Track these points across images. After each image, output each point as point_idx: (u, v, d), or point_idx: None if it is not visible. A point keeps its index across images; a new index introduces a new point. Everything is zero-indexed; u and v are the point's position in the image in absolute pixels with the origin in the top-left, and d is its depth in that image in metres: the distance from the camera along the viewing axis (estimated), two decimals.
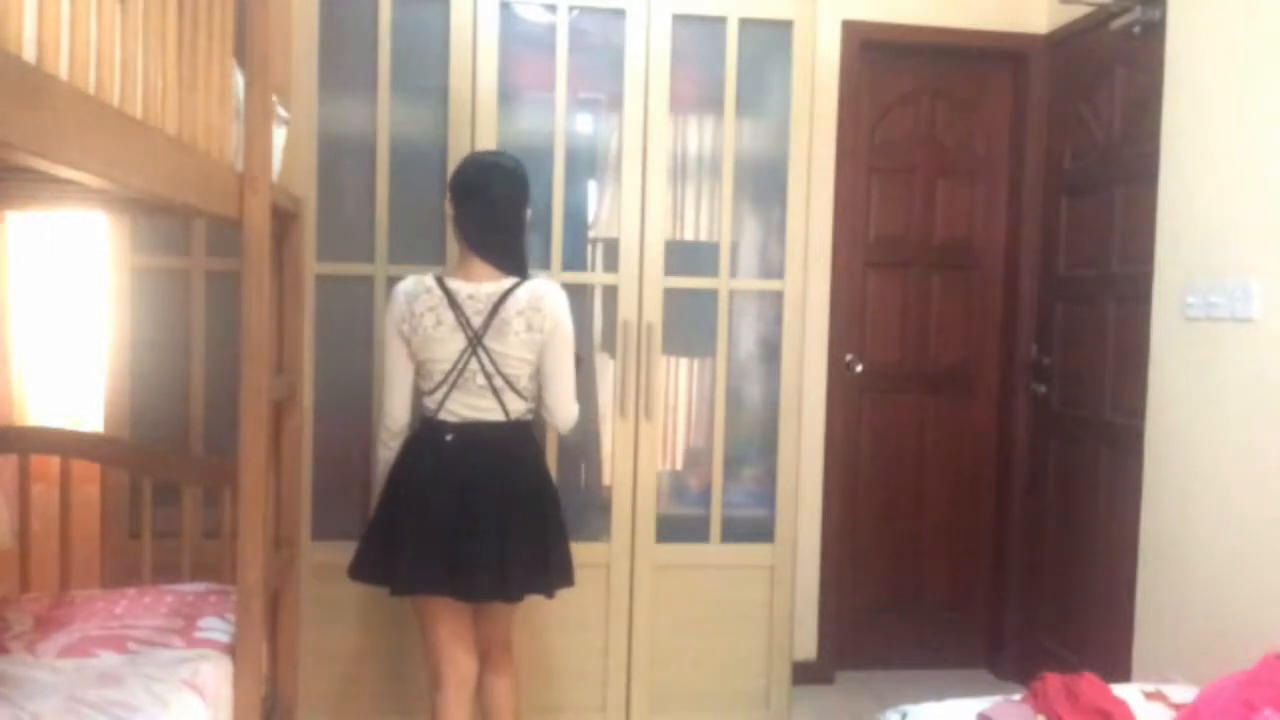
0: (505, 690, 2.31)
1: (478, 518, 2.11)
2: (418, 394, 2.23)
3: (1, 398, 2.48)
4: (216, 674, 1.93)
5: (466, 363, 2.14)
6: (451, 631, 2.20)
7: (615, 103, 2.74)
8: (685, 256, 2.81)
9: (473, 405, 2.16)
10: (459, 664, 2.20)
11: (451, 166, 2.64)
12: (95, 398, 2.65)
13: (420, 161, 2.68)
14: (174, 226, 2.60)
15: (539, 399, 2.23)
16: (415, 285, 2.17)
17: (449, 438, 2.16)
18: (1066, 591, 3.20)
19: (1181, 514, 2.49)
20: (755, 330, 2.92)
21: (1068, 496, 3.22)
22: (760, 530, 2.85)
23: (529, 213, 2.26)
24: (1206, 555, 2.39)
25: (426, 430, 2.20)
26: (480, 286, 2.15)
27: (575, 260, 2.79)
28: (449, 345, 2.14)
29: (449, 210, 2.22)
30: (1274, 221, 2.24)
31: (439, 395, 2.17)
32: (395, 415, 2.24)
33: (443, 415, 2.17)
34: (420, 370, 2.20)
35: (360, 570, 2.21)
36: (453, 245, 2.64)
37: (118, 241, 2.58)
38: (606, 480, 2.81)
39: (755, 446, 2.91)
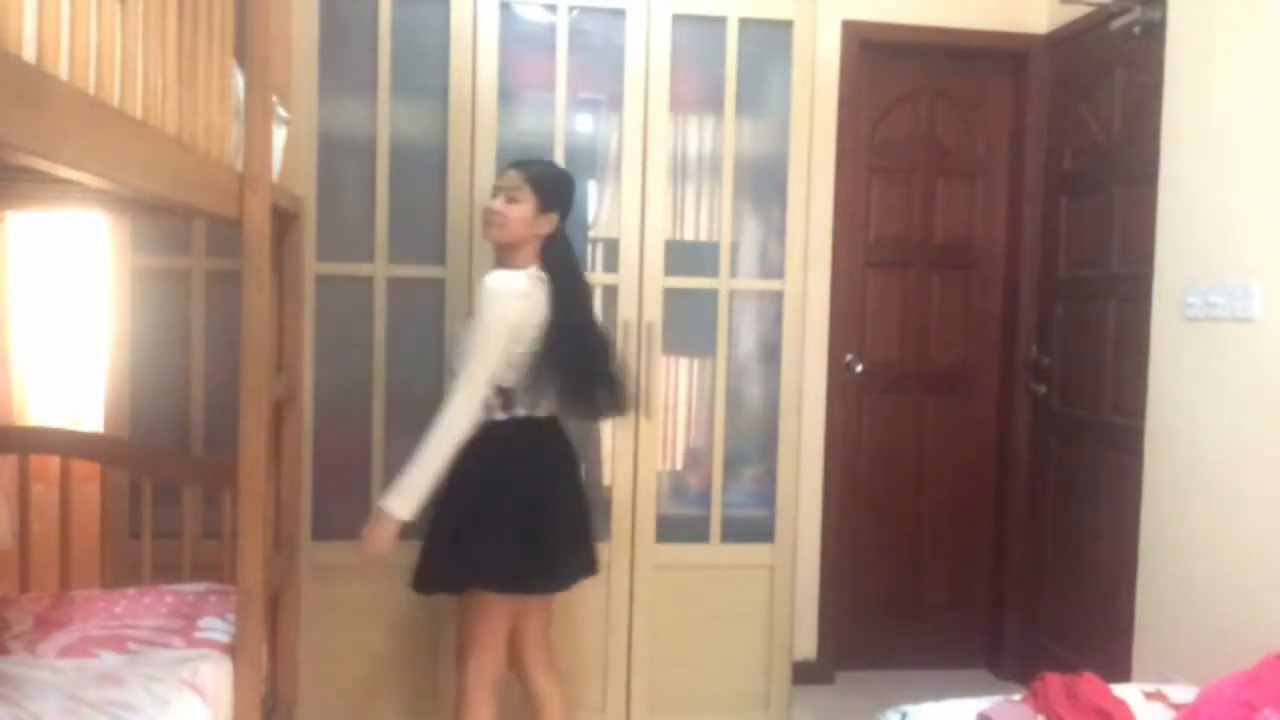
0: (561, 693, 2.36)
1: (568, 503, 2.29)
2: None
3: (1, 398, 2.48)
4: (216, 674, 1.93)
5: None
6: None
7: (615, 103, 2.74)
8: (685, 256, 2.81)
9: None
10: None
11: (451, 166, 2.65)
12: (95, 398, 2.65)
13: (420, 161, 2.68)
14: (174, 226, 2.60)
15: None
16: (532, 280, 2.20)
17: (555, 430, 2.28)
18: (1066, 591, 3.20)
19: (1181, 514, 2.49)
20: (755, 330, 2.92)
21: (1068, 496, 3.22)
22: (760, 530, 2.85)
23: None
24: (1206, 555, 2.39)
25: (531, 426, 2.22)
26: None
27: None
28: None
29: (558, 223, 2.24)
30: (1274, 221, 2.24)
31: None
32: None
33: (539, 411, 2.22)
34: (513, 363, 2.16)
35: (524, 580, 2.19)
36: (455, 245, 2.65)
37: (118, 241, 2.58)
38: (606, 480, 2.80)
39: (755, 446, 2.91)
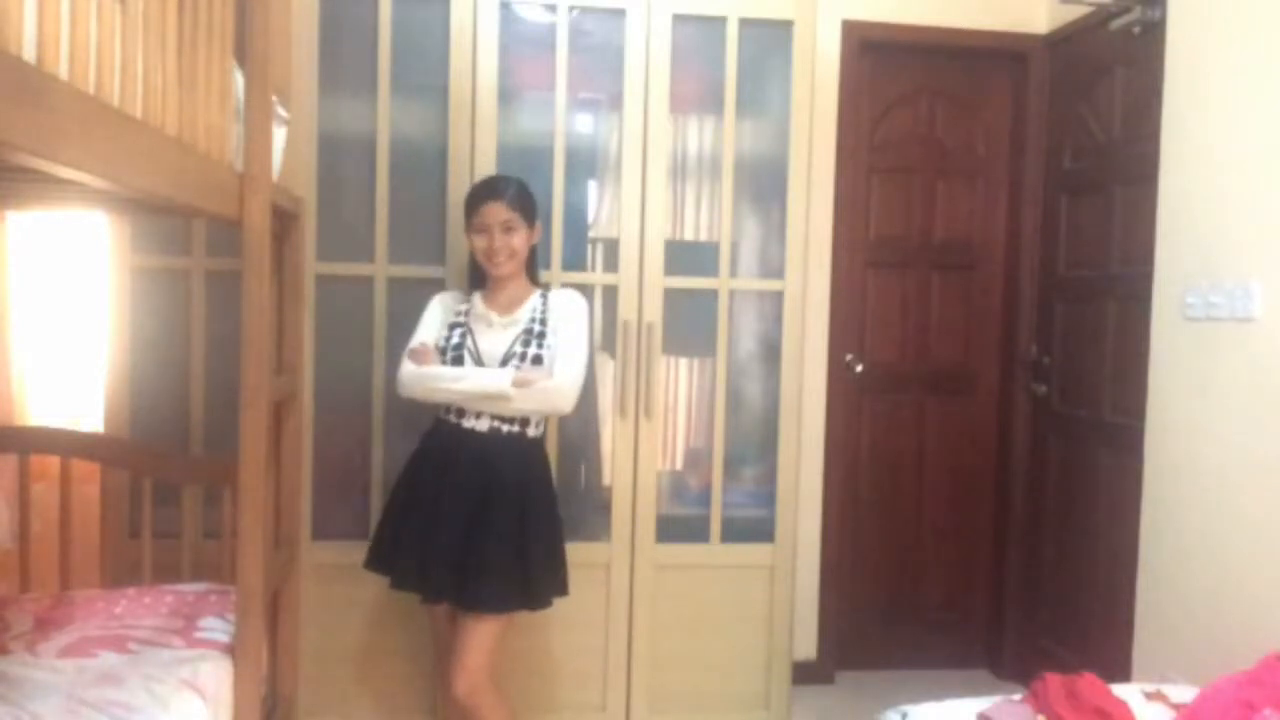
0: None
1: None
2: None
3: (1, 398, 2.48)
4: (216, 674, 1.93)
5: None
6: None
7: (615, 103, 2.74)
8: (685, 256, 2.81)
9: None
10: None
11: (451, 166, 2.66)
12: (95, 398, 2.65)
13: (420, 161, 2.68)
14: (174, 226, 2.60)
15: None
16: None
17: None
18: (1066, 591, 3.20)
19: (1181, 514, 2.49)
20: (755, 330, 2.92)
21: (1068, 496, 3.22)
22: (760, 530, 2.85)
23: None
24: (1206, 555, 2.39)
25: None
26: None
27: (575, 260, 2.79)
28: None
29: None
30: (1274, 221, 2.24)
31: None
32: None
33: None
34: None
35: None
36: (455, 245, 2.65)
37: (118, 241, 2.58)
38: (606, 480, 2.80)
39: (755, 446, 2.91)
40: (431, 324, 2.36)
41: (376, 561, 2.32)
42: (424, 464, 2.30)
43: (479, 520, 2.20)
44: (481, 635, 2.20)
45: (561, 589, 2.34)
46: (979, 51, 3.43)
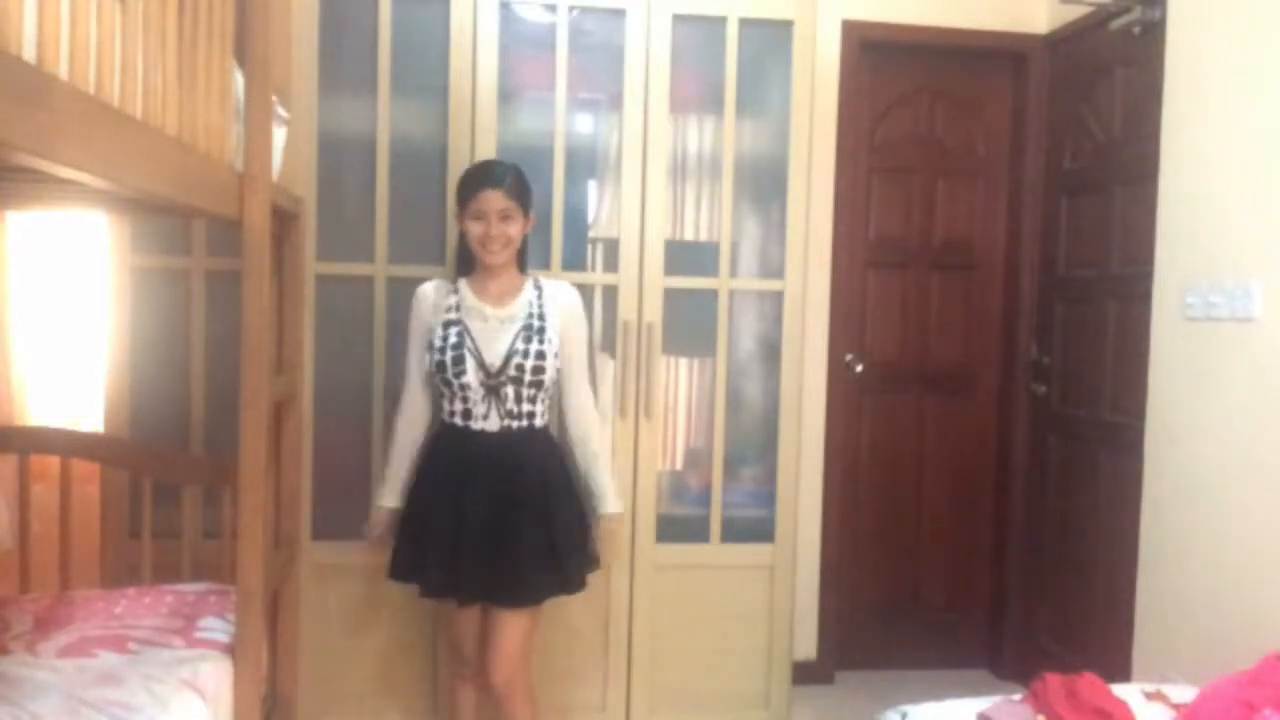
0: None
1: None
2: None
3: (1, 398, 2.48)
4: (216, 674, 1.93)
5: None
6: None
7: (615, 103, 2.74)
8: (685, 256, 2.81)
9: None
10: None
11: (452, 166, 2.65)
12: (95, 398, 2.65)
13: (420, 161, 2.68)
14: (174, 226, 2.60)
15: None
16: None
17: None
18: (1066, 591, 3.20)
19: (1181, 514, 2.49)
20: (755, 330, 2.92)
21: (1068, 496, 3.22)
22: (760, 530, 2.85)
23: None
24: (1206, 555, 2.39)
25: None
26: None
27: (575, 260, 2.79)
28: None
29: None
30: (1274, 221, 2.24)
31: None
32: None
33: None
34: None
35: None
36: (454, 248, 2.65)
37: (118, 241, 2.58)
38: None
39: (755, 446, 2.91)
40: (419, 337, 2.33)
41: (402, 571, 2.30)
42: (437, 468, 2.29)
43: (506, 517, 2.20)
44: (517, 626, 2.25)
45: (594, 564, 2.38)
46: (979, 51, 3.43)
